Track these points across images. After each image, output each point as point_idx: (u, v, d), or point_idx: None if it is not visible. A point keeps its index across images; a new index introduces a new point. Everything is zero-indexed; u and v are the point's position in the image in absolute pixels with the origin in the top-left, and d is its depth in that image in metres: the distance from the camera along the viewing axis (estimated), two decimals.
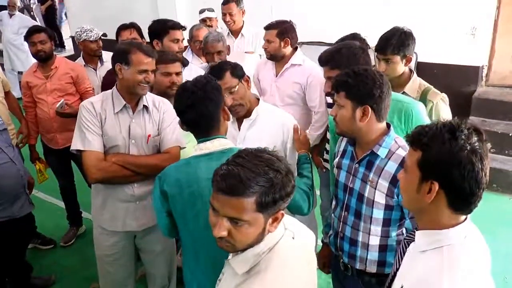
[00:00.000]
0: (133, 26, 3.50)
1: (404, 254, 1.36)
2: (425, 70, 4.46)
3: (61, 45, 9.56)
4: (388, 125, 1.78)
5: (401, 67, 2.37)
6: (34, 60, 3.57)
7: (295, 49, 3.15)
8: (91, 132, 2.16)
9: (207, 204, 1.25)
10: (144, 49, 2.18)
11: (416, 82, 2.43)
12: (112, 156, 2.19)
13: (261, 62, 3.42)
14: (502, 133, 4.32)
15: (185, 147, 2.31)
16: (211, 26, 4.17)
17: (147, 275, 2.62)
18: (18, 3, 7.53)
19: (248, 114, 2.20)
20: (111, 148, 2.21)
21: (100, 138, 2.18)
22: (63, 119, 3.32)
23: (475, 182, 1.13)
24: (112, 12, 6.15)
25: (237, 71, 2.12)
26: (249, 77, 2.20)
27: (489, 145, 1.18)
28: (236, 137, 2.19)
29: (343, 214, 1.89)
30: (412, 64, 3.41)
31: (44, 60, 3.38)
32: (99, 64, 3.74)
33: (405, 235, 1.65)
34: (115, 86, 2.25)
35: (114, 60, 2.20)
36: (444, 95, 2.40)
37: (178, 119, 1.82)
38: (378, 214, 1.76)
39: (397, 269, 1.36)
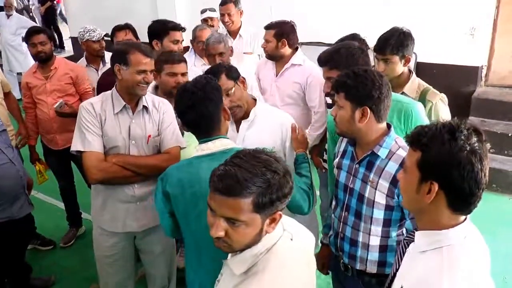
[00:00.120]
0: (128, 27, 3.49)
1: (403, 254, 1.36)
2: (424, 70, 4.47)
3: (60, 46, 9.56)
4: (389, 126, 1.78)
5: (400, 67, 2.37)
6: (32, 61, 3.57)
7: (295, 49, 3.17)
8: (91, 133, 2.15)
9: None
10: (142, 49, 2.18)
11: (415, 82, 2.44)
12: (113, 156, 2.19)
13: (262, 62, 3.44)
14: (502, 133, 4.32)
15: (185, 147, 2.32)
16: (213, 26, 4.16)
17: (147, 275, 2.62)
18: (15, 3, 7.47)
19: (245, 115, 2.20)
20: (111, 149, 2.21)
21: (100, 138, 2.18)
22: (63, 120, 3.32)
23: (475, 183, 1.13)
24: (112, 13, 6.14)
25: (232, 73, 2.12)
26: (244, 78, 2.21)
27: (488, 145, 1.18)
28: (235, 139, 2.19)
29: (343, 214, 1.89)
30: (412, 65, 3.42)
31: (44, 61, 3.38)
32: (101, 64, 3.74)
33: (405, 235, 1.65)
34: (114, 87, 2.25)
35: (113, 61, 2.20)
36: (443, 95, 2.41)
37: (178, 119, 1.82)
38: (379, 214, 1.76)
39: (397, 270, 1.36)
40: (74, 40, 7.57)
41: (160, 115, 2.29)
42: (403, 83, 2.42)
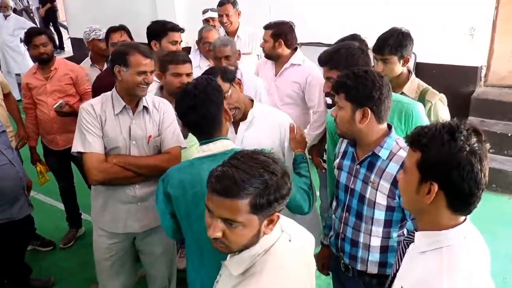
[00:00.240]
0: (123, 28, 3.47)
1: (403, 255, 1.36)
2: (424, 70, 4.47)
3: (60, 46, 9.55)
4: (389, 126, 1.78)
5: (398, 68, 2.37)
6: (30, 62, 3.56)
7: (295, 49, 3.17)
8: (92, 134, 2.16)
9: None
10: (142, 50, 2.18)
11: (415, 83, 2.44)
12: (113, 157, 2.19)
13: (262, 62, 3.45)
14: (501, 133, 4.32)
15: (185, 147, 2.32)
16: (214, 26, 4.17)
17: (147, 276, 2.61)
18: (11, 4, 7.42)
19: (243, 117, 2.20)
20: (112, 150, 2.21)
21: (100, 139, 2.18)
22: (63, 120, 3.32)
23: (475, 183, 1.14)
24: (111, 13, 6.14)
25: (228, 75, 2.12)
26: (240, 80, 2.20)
27: (488, 146, 1.18)
28: (233, 140, 2.19)
29: (344, 215, 1.89)
30: (411, 65, 3.42)
31: (45, 62, 3.38)
32: (105, 65, 3.73)
33: (405, 235, 1.65)
34: (114, 88, 2.25)
35: (112, 62, 2.20)
36: (443, 96, 2.41)
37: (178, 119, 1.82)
38: (380, 215, 1.76)
39: (397, 270, 1.36)
40: (73, 41, 7.57)
41: (161, 115, 2.29)
42: (403, 83, 2.42)
